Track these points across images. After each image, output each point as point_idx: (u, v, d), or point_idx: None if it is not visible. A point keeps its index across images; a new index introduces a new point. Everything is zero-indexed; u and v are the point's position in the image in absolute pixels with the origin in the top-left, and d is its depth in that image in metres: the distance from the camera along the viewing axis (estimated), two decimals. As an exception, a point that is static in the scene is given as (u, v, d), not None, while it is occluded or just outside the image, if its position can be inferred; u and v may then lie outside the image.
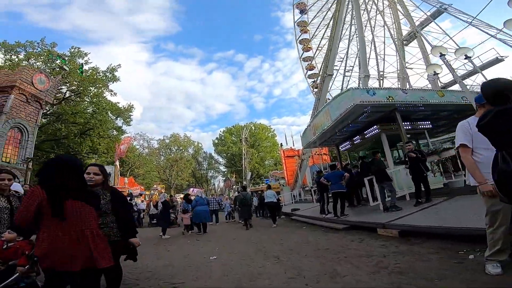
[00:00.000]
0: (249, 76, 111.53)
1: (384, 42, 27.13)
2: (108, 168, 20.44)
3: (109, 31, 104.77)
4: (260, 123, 63.87)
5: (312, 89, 33.20)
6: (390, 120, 10.37)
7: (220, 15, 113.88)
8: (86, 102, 31.41)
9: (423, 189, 7.08)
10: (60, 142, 29.88)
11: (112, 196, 2.68)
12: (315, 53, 32.82)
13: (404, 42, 25.42)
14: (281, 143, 37.58)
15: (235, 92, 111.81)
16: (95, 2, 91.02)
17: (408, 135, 10.31)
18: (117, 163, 21.66)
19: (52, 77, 20.26)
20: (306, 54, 33.97)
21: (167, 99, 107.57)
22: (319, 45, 32.11)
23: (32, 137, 18.23)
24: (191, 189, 52.46)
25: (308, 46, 33.39)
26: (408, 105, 9.71)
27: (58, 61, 23.07)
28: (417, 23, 21.88)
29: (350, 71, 29.81)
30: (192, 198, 10.96)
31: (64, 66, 20.86)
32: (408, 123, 10.49)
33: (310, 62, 33.05)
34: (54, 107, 29.17)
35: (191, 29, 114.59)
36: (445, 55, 9.39)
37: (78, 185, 2.08)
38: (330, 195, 8.65)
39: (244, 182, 43.75)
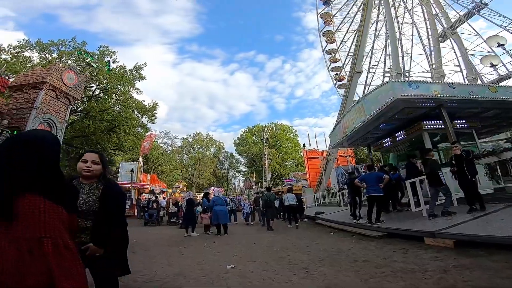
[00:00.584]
0: (270, 76, 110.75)
1: (412, 40, 25.49)
2: (132, 165, 20.65)
3: (137, 33, 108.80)
4: (281, 124, 63.01)
5: (335, 82, 31.91)
6: (433, 118, 9.22)
7: (241, 16, 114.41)
8: (114, 99, 32.41)
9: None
10: (88, 139, 31.00)
11: (104, 191, 2.04)
12: (339, 46, 31.47)
13: (440, 39, 23.54)
14: (303, 144, 36.51)
15: (256, 92, 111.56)
16: (123, 4, 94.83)
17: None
18: (141, 159, 21.83)
19: (80, 74, 20.85)
20: (329, 47, 32.49)
21: (192, 99, 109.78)
22: (343, 38, 30.84)
23: (61, 132, 18.73)
24: (212, 188, 52.81)
25: (332, 38, 32.05)
26: (456, 101, 8.50)
27: (88, 59, 23.81)
28: (453, 20, 20.21)
29: (375, 67, 28.39)
30: (211, 198, 10.51)
31: (92, 63, 21.37)
32: (453, 121, 9.24)
33: (333, 55, 31.61)
34: (84, 104, 30.36)
35: (213, 30, 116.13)
36: (504, 45, 8.08)
37: (43, 174, 1.46)
38: (365, 198, 7.71)
39: (264, 183, 43.07)
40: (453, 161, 6.40)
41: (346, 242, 6.15)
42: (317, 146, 37.44)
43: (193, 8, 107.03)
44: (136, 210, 17.72)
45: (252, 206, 14.14)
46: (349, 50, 29.98)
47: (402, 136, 10.24)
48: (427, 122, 9.36)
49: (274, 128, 59.79)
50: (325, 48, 32.86)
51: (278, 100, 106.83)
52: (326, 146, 40.38)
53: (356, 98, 21.10)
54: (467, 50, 19.55)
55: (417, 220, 6.51)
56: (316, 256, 4.93)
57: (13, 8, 68.61)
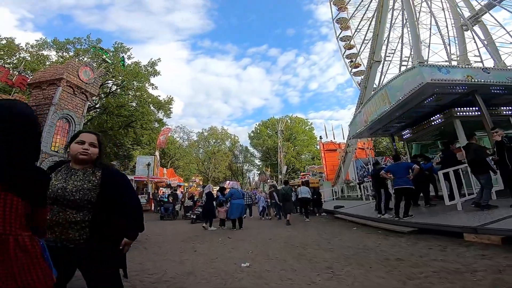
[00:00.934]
0: (283, 70, 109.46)
1: (430, 29, 23.96)
2: (148, 159, 20.77)
3: (150, 31, 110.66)
4: (296, 116, 61.90)
5: (350, 69, 31.13)
6: (465, 105, 8.40)
7: (252, 11, 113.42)
8: (130, 95, 32.89)
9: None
10: (107, 134, 31.70)
11: (104, 178, 1.72)
12: (354, 33, 30.34)
13: (464, 27, 21.95)
14: (320, 136, 35.50)
15: (269, 86, 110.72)
16: (135, 2, 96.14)
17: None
18: (157, 153, 21.94)
19: (96, 69, 21.11)
20: (344, 33, 31.54)
21: (206, 95, 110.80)
22: (358, 25, 29.70)
23: (79, 127, 19.11)
24: (227, 182, 53.00)
25: (347, 25, 30.94)
26: (492, 87, 7.65)
27: (103, 56, 24.07)
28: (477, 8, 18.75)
29: (391, 55, 27.17)
30: (227, 191, 10.22)
31: (107, 59, 21.55)
32: (489, 108, 8.37)
33: (348, 42, 30.68)
34: (102, 100, 30.97)
35: (224, 25, 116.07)
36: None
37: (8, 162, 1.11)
38: (393, 192, 7.10)
39: (280, 176, 42.62)
40: (494, 149, 5.70)
41: (372, 238, 5.63)
42: (334, 138, 36.41)
43: (203, 5, 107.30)
44: (153, 204, 17.82)
45: (268, 200, 13.77)
46: (364, 37, 29.21)
47: (430, 124, 9.42)
48: (459, 109, 8.55)
49: (289, 121, 58.88)
50: (339, 35, 31.86)
51: (291, 93, 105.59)
52: (344, 139, 39.15)
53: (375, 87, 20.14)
54: (493, 39, 18.19)
55: (452, 214, 5.88)
56: (340, 253, 4.47)
57: (30, 10, 71.33)
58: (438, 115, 9.03)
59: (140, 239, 6.49)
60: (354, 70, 31.07)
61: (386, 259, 3.92)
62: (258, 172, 56.50)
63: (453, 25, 21.26)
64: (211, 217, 8.97)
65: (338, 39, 32.00)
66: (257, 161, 64.70)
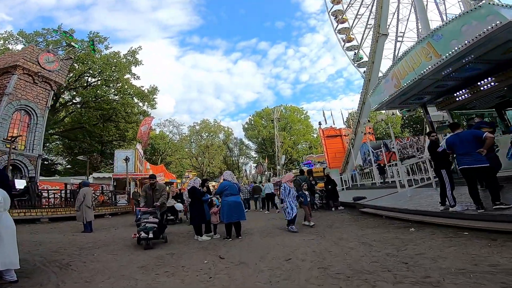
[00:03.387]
0: (274, 63, 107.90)
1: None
2: (127, 152, 17.88)
3: (136, 29, 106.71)
4: (291, 105, 59.33)
5: (343, 43, 30.23)
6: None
7: (240, 4, 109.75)
8: (109, 87, 29.82)
9: None
10: (87, 130, 28.68)
11: None
12: (346, 8, 28.55)
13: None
14: (319, 122, 33.12)
15: (261, 79, 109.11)
16: (119, 2, 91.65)
17: None
18: (139, 146, 18.92)
19: (64, 57, 18.09)
20: (336, 8, 30.16)
21: (198, 91, 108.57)
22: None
23: (42, 120, 16.27)
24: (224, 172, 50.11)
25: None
26: None
27: (70, 42, 20.95)
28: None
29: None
30: (221, 182, 7.27)
31: (72, 43, 18.51)
32: None
33: (341, 16, 29.20)
34: (80, 94, 27.79)
35: (213, 20, 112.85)
36: None
37: None
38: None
39: (278, 167, 40.29)
40: None
41: (474, 247, 3.20)
42: (334, 124, 33.97)
43: (190, 1, 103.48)
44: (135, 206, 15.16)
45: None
46: (357, 12, 27.89)
47: (490, 85, 7.02)
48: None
49: (284, 110, 56.28)
50: (331, 9, 30.37)
51: (283, 86, 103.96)
52: (344, 124, 37.03)
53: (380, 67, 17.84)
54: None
55: None
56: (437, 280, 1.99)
57: (9, 13, 66.79)
58: (504, 72, 6.61)
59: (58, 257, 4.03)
60: (347, 44, 29.81)
61: None
62: (255, 164, 53.94)
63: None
64: (200, 222, 6.32)
65: (330, 14, 30.13)
66: (253, 153, 62.36)
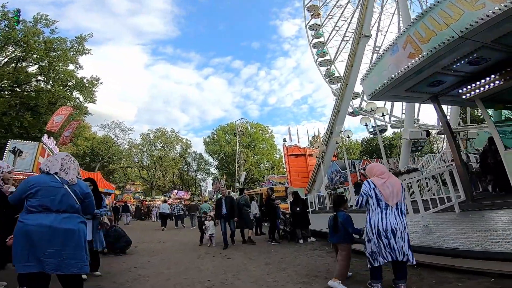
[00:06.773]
0: (245, 83, 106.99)
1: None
2: (25, 144, 12.76)
3: (109, 32, 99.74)
4: (257, 123, 57.04)
5: (316, 58, 29.59)
6: None
7: (220, 22, 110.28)
8: (48, 76, 24.17)
9: None
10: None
11: None
12: (321, 4, 28.29)
13: None
14: (284, 139, 30.76)
15: (230, 98, 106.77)
16: (98, 3, 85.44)
17: None
18: (46, 140, 13.89)
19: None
20: (314, 21, 29.92)
21: (164, 102, 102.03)
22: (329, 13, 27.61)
23: None
24: (175, 191, 44.96)
25: (318, 12, 29.41)
26: None
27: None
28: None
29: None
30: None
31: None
32: None
33: (314, 12, 28.91)
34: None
35: (190, 34, 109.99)
36: None
37: None
38: None
39: (237, 185, 36.84)
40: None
41: None
42: (298, 142, 31.80)
43: (170, 10, 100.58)
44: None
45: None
46: (335, 25, 27.62)
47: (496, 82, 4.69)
48: None
49: (249, 127, 53.65)
50: (308, 22, 29.63)
51: (251, 106, 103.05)
52: (308, 144, 35.34)
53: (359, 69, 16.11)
54: None
55: None
56: None
57: None
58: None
59: None
60: (320, 59, 29.08)
61: None
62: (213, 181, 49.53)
63: None
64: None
65: (307, 27, 29.26)
66: (212, 170, 57.78)
